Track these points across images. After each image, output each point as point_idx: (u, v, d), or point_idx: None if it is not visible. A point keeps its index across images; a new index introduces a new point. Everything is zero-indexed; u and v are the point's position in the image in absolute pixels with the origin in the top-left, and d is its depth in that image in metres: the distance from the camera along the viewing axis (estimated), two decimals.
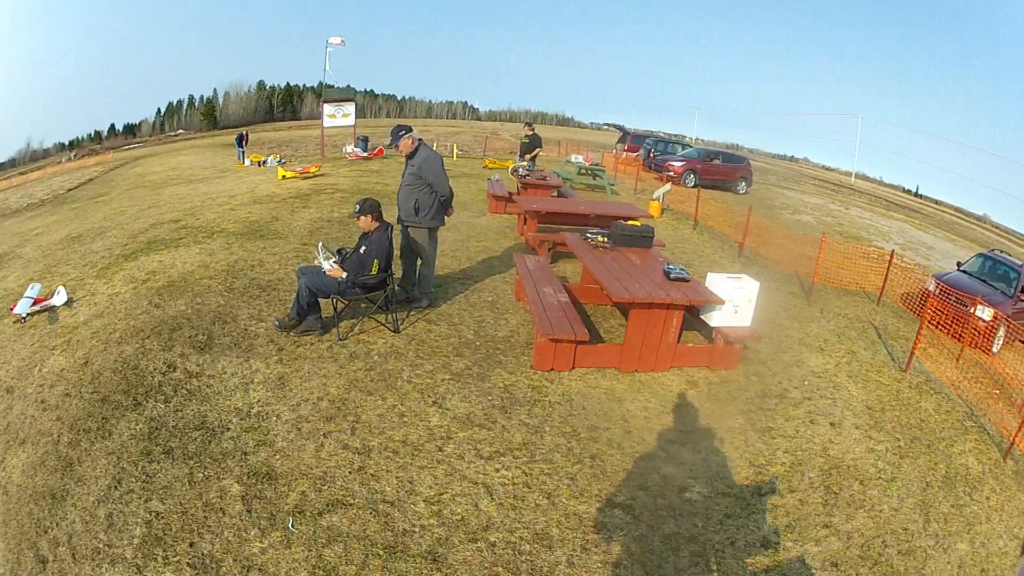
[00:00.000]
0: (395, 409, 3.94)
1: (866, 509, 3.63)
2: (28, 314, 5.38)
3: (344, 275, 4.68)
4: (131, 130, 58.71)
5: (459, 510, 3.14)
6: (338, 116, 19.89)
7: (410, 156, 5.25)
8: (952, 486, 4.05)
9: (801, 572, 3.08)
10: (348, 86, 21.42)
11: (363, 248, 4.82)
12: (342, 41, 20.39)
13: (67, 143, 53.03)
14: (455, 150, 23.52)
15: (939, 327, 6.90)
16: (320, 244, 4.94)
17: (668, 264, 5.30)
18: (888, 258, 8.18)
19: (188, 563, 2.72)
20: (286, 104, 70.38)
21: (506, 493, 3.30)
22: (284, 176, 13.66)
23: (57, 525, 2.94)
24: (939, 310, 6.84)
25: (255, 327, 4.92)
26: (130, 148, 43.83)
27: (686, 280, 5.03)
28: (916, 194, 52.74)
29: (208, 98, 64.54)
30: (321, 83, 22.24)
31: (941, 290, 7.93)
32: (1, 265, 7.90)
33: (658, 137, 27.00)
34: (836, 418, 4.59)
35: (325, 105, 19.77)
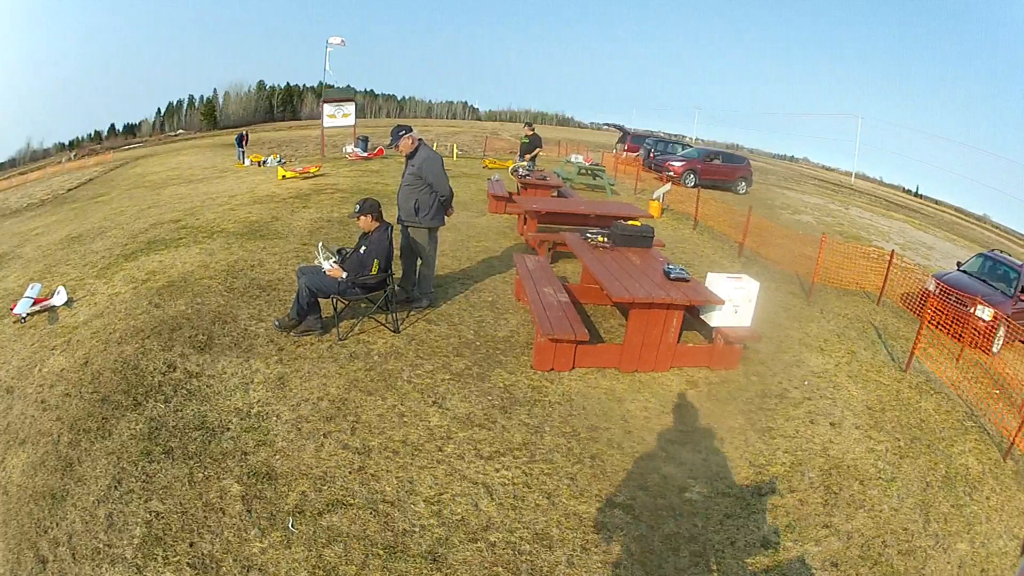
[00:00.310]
0: (395, 409, 3.94)
1: (866, 509, 3.63)
2: (28, 314, 5.38)
3: (344, 275, 4.68)
4: (131, 130, 58.72)
5: (459, 510, 3.14)
6: (338, 116, 19.89)
7: (410, 156, 5.25)
8: (952, 486, 4.05)
9: (801, 572, 3.08)
10: (348, 86, 21.43)
11: (363, 248, 4.82)
12: (342, 41, 20.40)
13: (67, 143, 53.06)
14: (455, 150, 23.52)
15: (939, 327, 6.90)
16: (320, 244, 4.94)
17: (668, 264, 5.30)
18: (888, 258, 8.18)
19: (188, 563, 2.72)
20: (286, 104, 70.38)
21: (506, 493, 3.30)
22: (284, 176, 13.66)
23: (57, 525, 2.94)
24: (939, 310, 6.84)
25: (255, 327, 4.92)
26: (130, 148, 43.83)
27: (686, 280, 5.03)
28: (916, 194, 52.74)
29: (208, 98, 64.58)
30: (321, 83, 22.25)
31: (941, 290, 7.93)
32: (1, 265, 7.90)
33: (658, 137, 26.99)
34: (836, 418, 4.59)
35: (325, 105, 19.77)
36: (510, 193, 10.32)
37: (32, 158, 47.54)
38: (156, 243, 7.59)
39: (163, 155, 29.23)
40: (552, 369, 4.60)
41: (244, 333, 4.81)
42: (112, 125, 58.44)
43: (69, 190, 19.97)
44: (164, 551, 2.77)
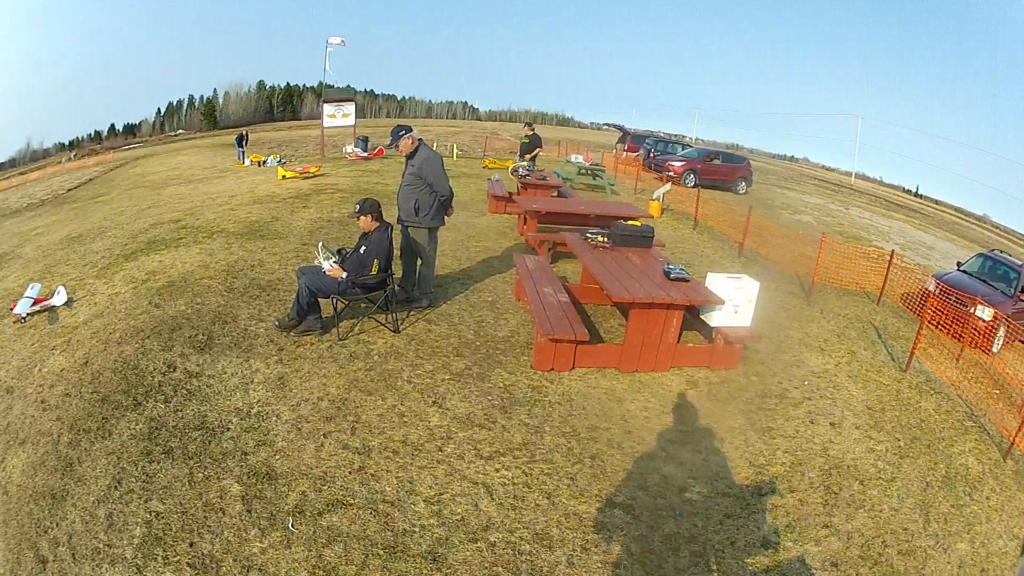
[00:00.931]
0: (395, 409, 3.94)
1: (866, 509, 3.63)
2: (28, 314, 5.38)
3: (344, 275, 4.68)
4: (131, 130, 58.70)
5: (459, 510, 3.14)
6: (338, 116, 19.89)
7: (410, 156, 5.25)
8: (952, 486, 4.05)
9: (801, 572, 3.08)
10: (348, 86, 21.43)
11: (363, 248, 4.82)
12: (342, 41, 20.40)
13: (67, 143, 53.03)
14: (455, 150, 23.52)
15: (939, 327, 6.90)
16: (320, 244, 4.94)
17: (668, 264, 5.30)
18: (888, 258, 8.18)
19: (188, 563, 2.72)
20: (286, 104, 70.35)
21: (506, 493, 3.30)
22: (284, 176, 13.66)
23: (57, 525, 2.94)
24: (939, 310, 6.84)
25: (255, 327, 4.92)
26: (130, 148, 43.81)
27: (686, 280, 5.03)
28: (916, 194, 52.72)
29: (208, 98, 64.55)
30: (321, 83, 22.26)
31: (941, 290, 7.93)
32: (1, 265, 7.90)
33: (658, 137, 26.98)
34: (836, 418, 4.59)
35: (325, 105, 19.77)
36: (510, 193, 10.32)
37: (32, 158, 47.51)
38: (156, 243, 7.60)
39: (163, 155, 29.23)
40: (552, 369, 4.60)
41: (244, 333, 4.81)
42: (112, 125, 58.42)
43: (69, 190, 19.97)
44: (164, 551, 2.77)
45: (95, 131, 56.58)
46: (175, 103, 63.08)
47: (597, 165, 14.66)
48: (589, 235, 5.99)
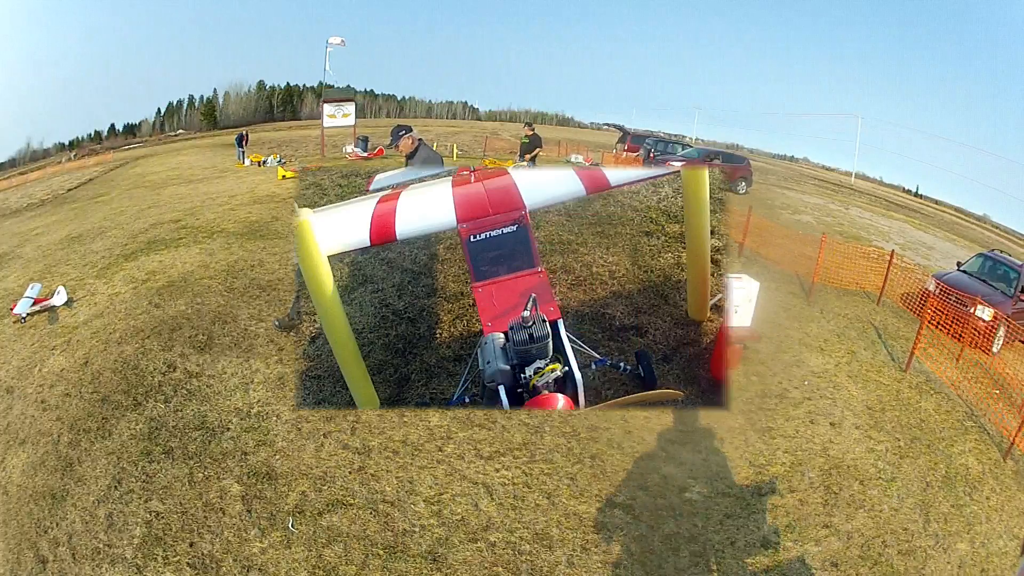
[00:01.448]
0: (395, 408, 3.93)
1: (866, 509, 3.63)
2: (28, 314, 5.38)
3: None
4: (131, 130, 58.27)
5: (459, 510, 3.14)
6: (338, 116, 19.88)
7: (410, 156, 5.23)
8: (952, 486, 4.05)
9: (801, 572, 3.08)
10: (348, 86, 21.43)
11: None
12: (342, 41, 20.41)
13: (67, 143, 52.72)
14: (455, 150, 23.50)
15: (939, 327, 6.89)
16: None
17: None
18: (888, 258, 8.18)
19: (188, 563, 2.72)
20: (286, 104, 69.99)
21: (506, 493, 3.30)
22: (284, 176, 13.65)
23: (57, 525, 2.94)
24: (939, 310, 6.83)
25: (255, 327, 4.92)
26: (130, 148, 43.55)
27: None
28: (916, 194, 52.54)
29: (208, 98, 64.20)
30: (321, 83, 22.25)
31: (941, 290, 7.92)
32: (1, 265, 7.89)
33: (658, 137, 26.94)
34: (836, 418, 4.58)
35: (325, 105, 19.76)
36: None
37: (32, 158, 47.15)
38: (156, 243, 7.59)
39: (163, 155, 29.13)
40: None
41: (244, 333, 4.81)
42: (112, 125, 57.91)
43: (69, 190, 19.89)
44: (164, 551, 2.77)
45: (95, 131, 56.08)
46: (175, 103, 62.56)
47: (597, 165, 14.67)
48: None
